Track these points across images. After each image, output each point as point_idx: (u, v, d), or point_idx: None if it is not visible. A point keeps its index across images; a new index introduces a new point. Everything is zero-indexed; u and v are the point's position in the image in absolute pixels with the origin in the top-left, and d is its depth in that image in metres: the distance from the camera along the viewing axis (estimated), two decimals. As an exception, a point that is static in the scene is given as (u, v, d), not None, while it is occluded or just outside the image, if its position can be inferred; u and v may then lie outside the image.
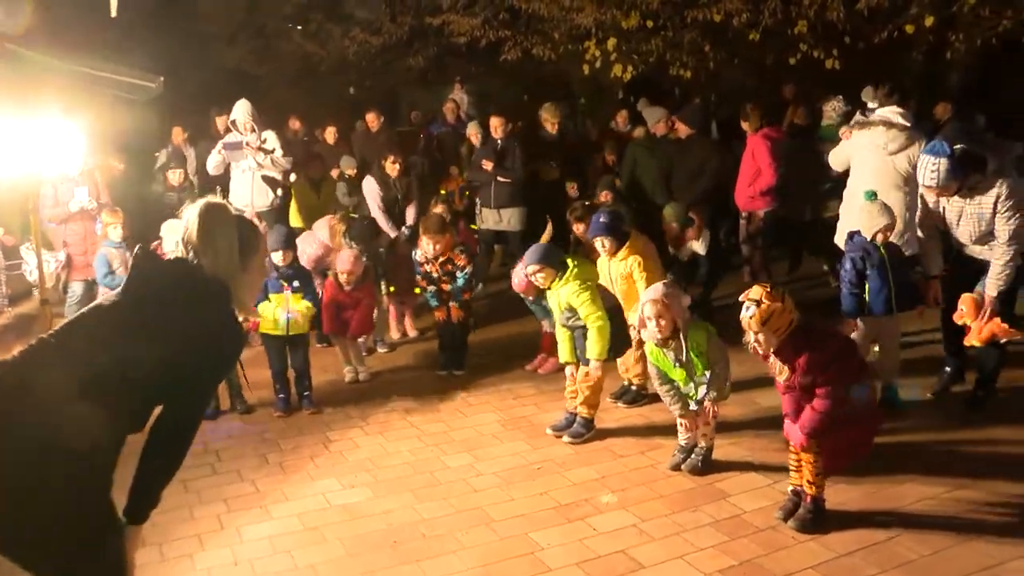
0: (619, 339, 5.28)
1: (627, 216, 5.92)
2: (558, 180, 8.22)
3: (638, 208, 7.95)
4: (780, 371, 3.87)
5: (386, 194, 7.84)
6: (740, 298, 3.88)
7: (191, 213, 2.63)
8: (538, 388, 6.01)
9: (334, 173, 9.28)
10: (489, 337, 7.37)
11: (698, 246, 7.06)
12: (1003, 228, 4.79)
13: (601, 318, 4.95)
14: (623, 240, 5.38)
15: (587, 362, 5.02)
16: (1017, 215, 4.74)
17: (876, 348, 5.23)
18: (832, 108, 9.86)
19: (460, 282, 6.39)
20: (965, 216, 4.89)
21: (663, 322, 4.32)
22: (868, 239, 5.11)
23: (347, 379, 6.40)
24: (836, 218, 8.16)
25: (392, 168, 7.80)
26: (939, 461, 4.60)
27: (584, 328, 5.00)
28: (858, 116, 6.60)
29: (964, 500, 4.22)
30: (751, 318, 3.77)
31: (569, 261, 5.12)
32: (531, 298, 5.86)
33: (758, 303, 3.77)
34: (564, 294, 4.98)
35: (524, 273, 5.36)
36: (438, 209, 7.21)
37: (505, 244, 8.52)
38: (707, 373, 4.42)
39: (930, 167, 4.64)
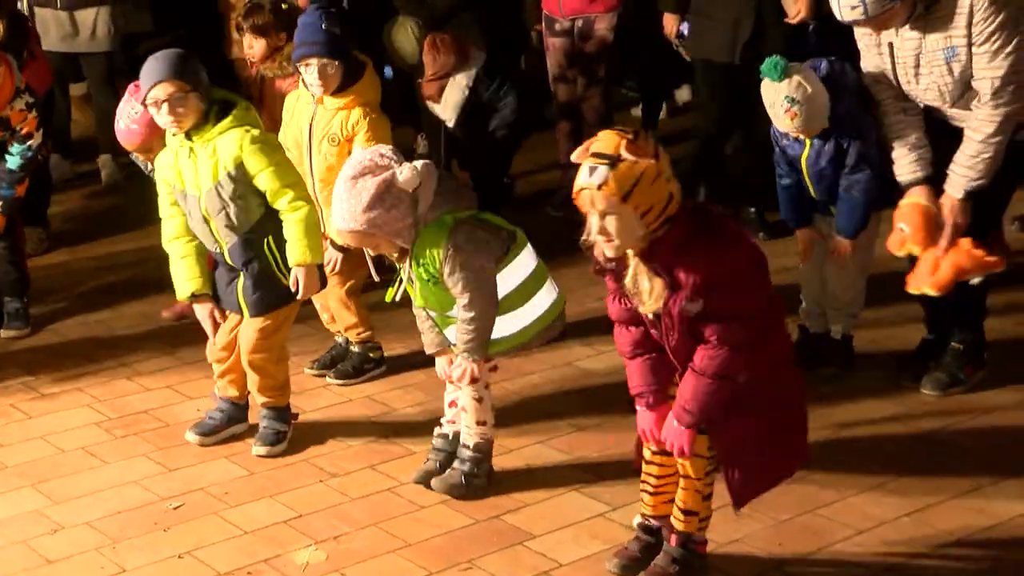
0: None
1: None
2: None
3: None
4: (645, 292, 3.51)
5: None
6: (575, 156, 3.52)
7: None
8: (178, 356, 5.56)
9: None
10: (76, 263, 6.80)
11: (442, 110, 6.51)
12: (987, 68, 4.27)
13: (305, 199, 4.61)
14: (355, 74, 5.01)
15: (256, 298, 4.57)
16: (1011, 35, 4.19)
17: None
18: None
19: (13, 163, 5.59)
20: (925, 59, 4.43)
21: (372, 252, 4.26)
22: None
23: None
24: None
25: None
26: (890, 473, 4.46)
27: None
28: None
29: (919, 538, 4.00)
30: (599, 189, 3.40)
31: (228, 95, 4.70)
32: (144, 159, 5.20)
33: (612, 161, 3.41)
34: (225, 148, 4.51)
35: (134, 111, 4.88)
36: None
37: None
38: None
39: None
